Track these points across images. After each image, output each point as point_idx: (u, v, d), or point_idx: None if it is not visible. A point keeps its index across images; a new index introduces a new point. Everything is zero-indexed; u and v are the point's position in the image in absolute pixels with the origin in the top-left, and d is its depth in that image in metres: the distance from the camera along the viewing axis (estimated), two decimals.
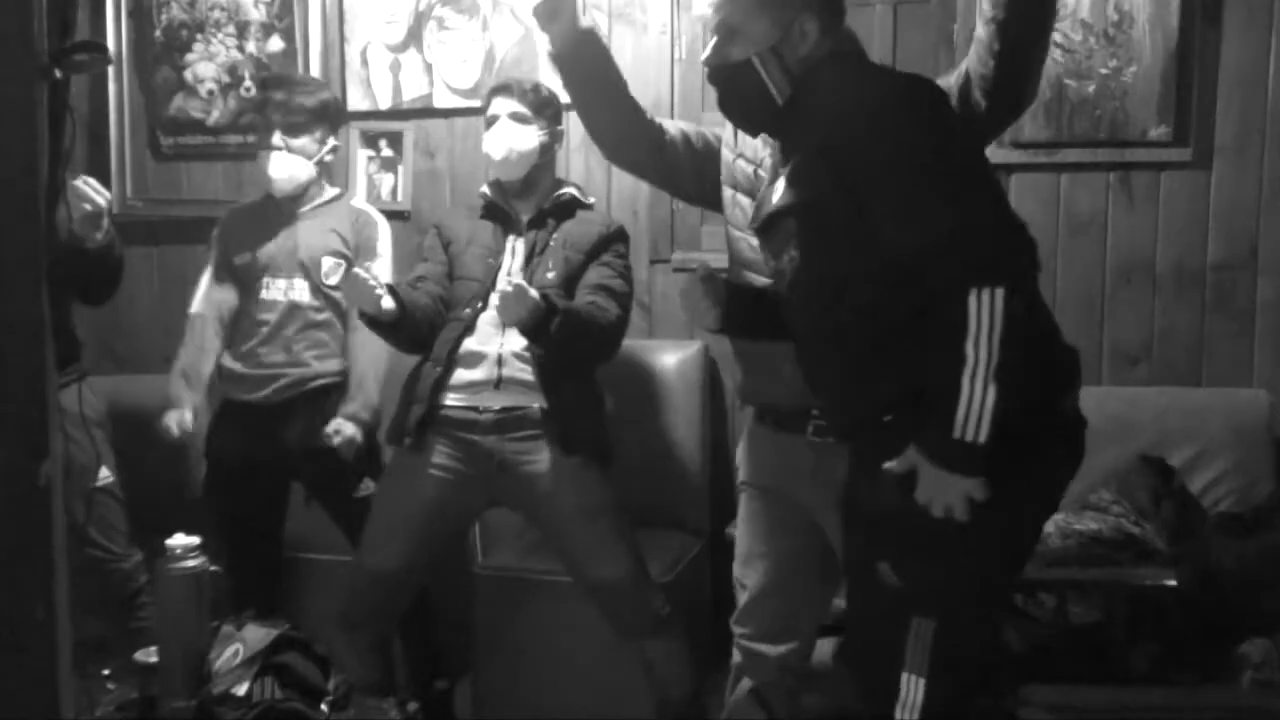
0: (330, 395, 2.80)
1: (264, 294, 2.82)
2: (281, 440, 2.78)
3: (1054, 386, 1.78)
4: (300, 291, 2.81)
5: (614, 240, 2.61)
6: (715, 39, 1.88)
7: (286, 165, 2.78)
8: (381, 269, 2.82)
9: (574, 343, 2.41)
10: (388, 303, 2.42)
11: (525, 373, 2.48)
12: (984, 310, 1.59)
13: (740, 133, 2.34)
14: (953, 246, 1.63)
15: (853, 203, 1.70)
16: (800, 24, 1.82)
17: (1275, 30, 2.95)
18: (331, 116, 2.87)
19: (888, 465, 1.72)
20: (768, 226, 1.91)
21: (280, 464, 2.81)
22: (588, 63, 2.25)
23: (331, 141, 2.86)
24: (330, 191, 2.91)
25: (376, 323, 2.46)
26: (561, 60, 2.26)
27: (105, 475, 2.66)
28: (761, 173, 2.27)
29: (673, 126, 2.37)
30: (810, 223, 1.80)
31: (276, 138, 2.77)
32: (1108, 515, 2.62)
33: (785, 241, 1.87)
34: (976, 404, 1.61)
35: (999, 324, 1.59)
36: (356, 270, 2.43)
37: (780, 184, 1.86)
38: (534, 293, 2.31)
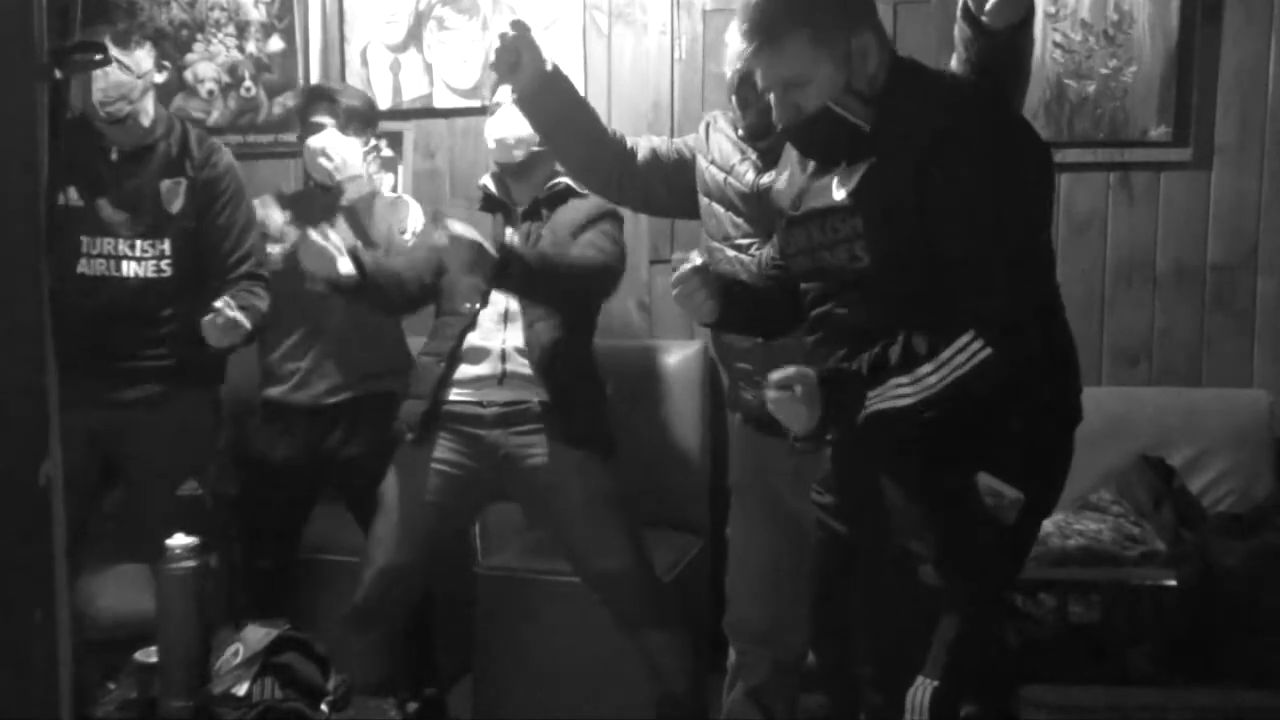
0: (374, 399, 2.75)
1: (308, 287, 2.71)
2: (322, 445, 2.74)
3: (1070, 419, 1.84)
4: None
5: (601, 218, 2.58)
6: (778, 95, 1.78)
7: (340, 148, 2.72)
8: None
9: (549, 286, 2.41)
10: (345, 266, 2.38)
11: (528, 367, 2.49)
12: (965, 353, 1.65)
13: (710, 140, 2.34)
14: (989, 292, 1.67)
15: (918, 218, 1.68)
16: (858, 44, 1.73)
17: (1275, 30, 2.95)
18: (375, 118, 2.88)
19: (774, 376, 1.74)
20: (808, 219, 1.85)
21: (318, 468, 2.77)
22: (554, 106, 2.25)
23: (374, 141, 2.85)
24: (368, 187, 2.86)
25: (339, 289, 2.42)
26: (526, 105, 2.25)
27: (191, 486, 2.62)
28: (732, 179, 2.27)
29: (642, 145, 2.38)
30: (869, 226, 1.75)
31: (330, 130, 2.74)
32: (1108, 515, 2.62)
33: (815, 236, 1.83)
34: (891, 396, 1.68)
35: (964, 372, 1.65)
36: (309, 231, 2.37)
37: (839, 180, 1.79)
38: (489, 246, 2.30)
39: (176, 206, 2.57)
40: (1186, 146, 2.99)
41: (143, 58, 2.56)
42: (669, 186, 2.38)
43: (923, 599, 1.76)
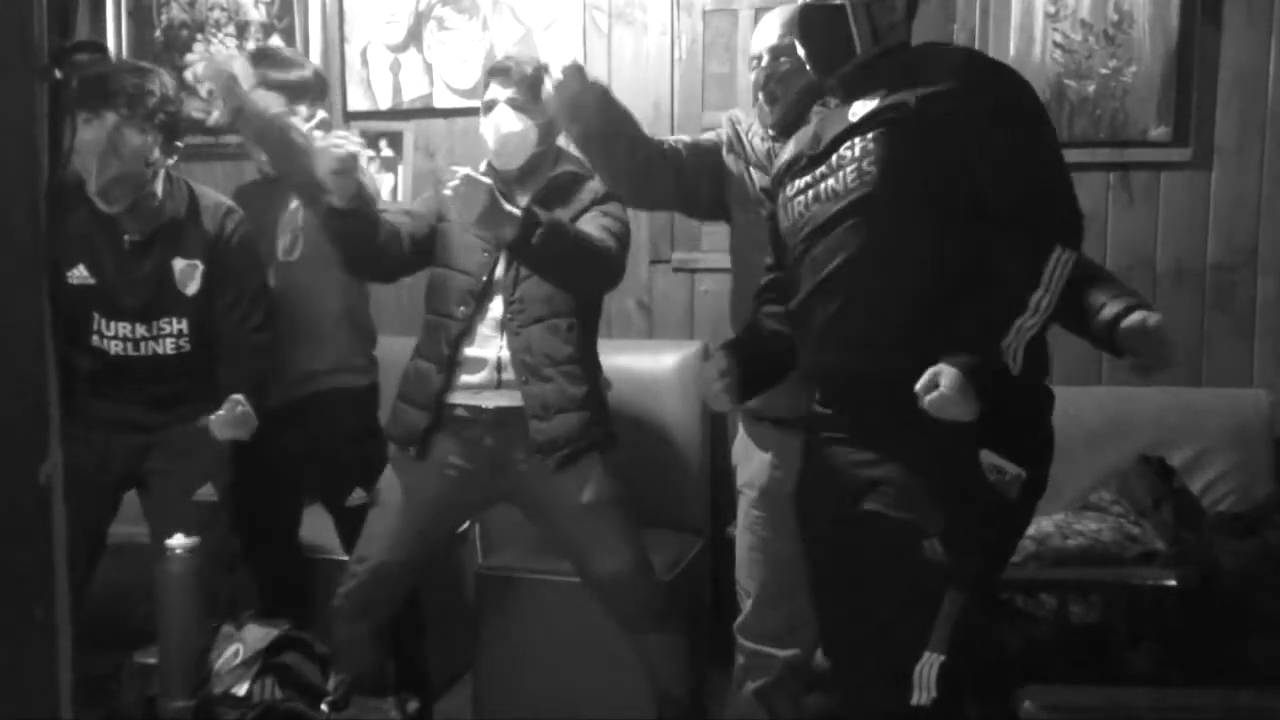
0: (329, 395, 2.71)
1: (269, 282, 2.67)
2: (286, 445, 2.68)
3: (1051, 399, 1.92)
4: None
5: (602, 201, 2.52)
6: None
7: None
8: None
9: (564, 260, 2.34)
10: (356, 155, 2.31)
11: (523, 373, 2.47)
12: (1057, 269, 1.74)
13: (748, 143, 2.32)
14: (1052, 204, 1.78)
15: (944, 163, 1.79)
16: None
17: (1275, 30, 2.95)
18: (313, 91, 2.70)
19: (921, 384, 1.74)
20: (819, 158, 1.92)
21: (288, 468, 2.74)
22: (611, 133, 2.22)
23: (320, 114, 2.69)
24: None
25: (336, 211, 2.36)
26: (589, 144, 2.25)
27: (206, 491, 2.57)
28: (752, 170, 2.27)
29: (682, 148, 2.35)
30: (880, 142, 1.84)
31: None
32: (1108, 515, 2.62)
33: (821, 173, 1.91)
34: (1024, 336, 1.75)
35: (1062, 284, 1.74)
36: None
37: (852, 110, 1.88)
38: (508, 207, 2.27)
39: (192, 289, 2.52)
40: (1186, 146, 2.99)
41: (147, 146, 2.42)
42: (706, 181, 2.36)
43: (927, 575, 1.77)
